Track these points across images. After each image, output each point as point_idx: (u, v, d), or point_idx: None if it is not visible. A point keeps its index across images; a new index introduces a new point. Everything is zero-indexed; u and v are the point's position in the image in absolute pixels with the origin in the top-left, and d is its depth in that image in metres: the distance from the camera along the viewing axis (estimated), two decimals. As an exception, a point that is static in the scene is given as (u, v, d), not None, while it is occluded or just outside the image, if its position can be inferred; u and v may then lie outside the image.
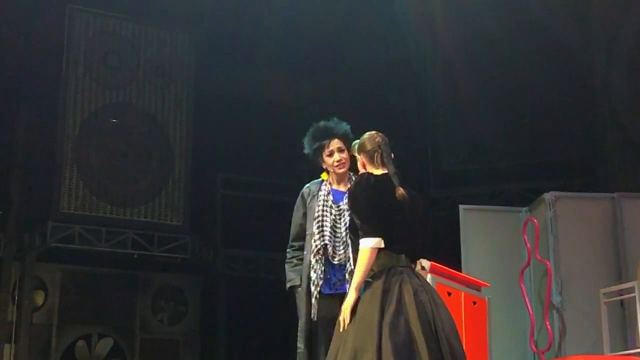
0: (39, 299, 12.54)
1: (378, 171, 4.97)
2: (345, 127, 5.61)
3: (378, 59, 13.31)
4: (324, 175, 5.66)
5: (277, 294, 13.67)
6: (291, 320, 12.98)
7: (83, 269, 12.81)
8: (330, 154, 5.55)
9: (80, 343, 12.71)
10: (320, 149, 5.57)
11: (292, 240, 5.62)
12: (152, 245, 12.45)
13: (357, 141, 5.19)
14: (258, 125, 13.25)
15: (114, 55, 12.55)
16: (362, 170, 5.10)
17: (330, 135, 5.57)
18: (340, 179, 5.57)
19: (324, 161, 5.60)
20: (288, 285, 5.55)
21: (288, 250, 5.62)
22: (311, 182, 5.70)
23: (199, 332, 13.51)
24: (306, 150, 5.63)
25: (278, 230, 13.26)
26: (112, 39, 12.58)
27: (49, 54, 12.17)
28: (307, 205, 5.59)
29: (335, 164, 5.53)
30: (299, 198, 5.67)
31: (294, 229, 5.63)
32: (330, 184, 5.61)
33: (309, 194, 5.63)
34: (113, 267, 12.86)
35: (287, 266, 5.60)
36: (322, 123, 5.64)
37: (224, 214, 13.66)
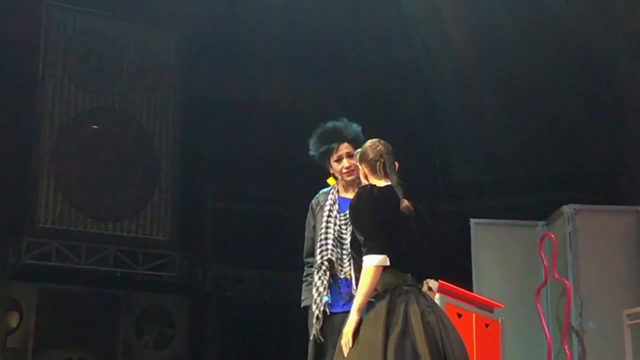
0: (13, 321, 12.58)
1: (380, 182, 5.02)
2: (356, 129, 5.57)
3: (382, 59, 13.35)
4: (330, 181, 5.66)
5: (273, 315, 13.76)
6: (288, 344, 12.96)
7: (61, 288, 12.85)
8: (339, 160, 5.53)
9: (58, 369, 12.77)
10: (328, 153, 5.54)
11: (305, 257, 5.64)
12: (136, 262, 12.48)
13: (359, 150, 5.20)
14: (253, 131, 13.27)
15: (95, 55, 12.59)
16: (363, 181, 5.13)
17: (339, 138, 5.53)
18: (348, 185, 5.52)
19: (331, 166, 5.59)
20: (302, 305, 5.57)
21: (304, 267, 5.63)
22: (320, 192, 5.69)
23: (187, 357, 13.53)
24: (312, 152, 5.62)
25: (274, 246, 13.49)
26: (93, 38, 12.63)
27: (25, 55, 12.20)
28: (316, 218, 5.60)
29: (344, 170, 5.51)
30: (309, 210, 5.68)
31: (306, 245, 5.64)
32: (337, 191, 5.59)
33: (317, 205, 5.63)
34: (94, 287, 12.89)
35: (303, 285, 5.61)
36: (330, 124, 5.60)
37: (215, 229, 13.68)
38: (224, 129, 13.13)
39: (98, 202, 12.29)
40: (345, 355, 4.73)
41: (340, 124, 5.60)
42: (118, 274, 12.47)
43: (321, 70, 13.23)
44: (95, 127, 12.41)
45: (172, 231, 12.68)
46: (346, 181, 5.55)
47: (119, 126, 12.59)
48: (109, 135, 12.51)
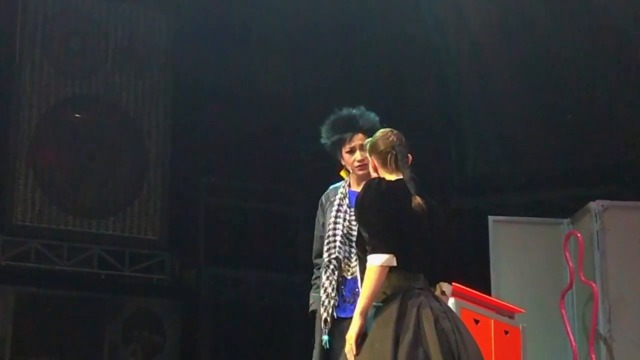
0: (-12, 327, 12.62)
1: (391, 176, 5.07)
2: (373, 119, 5.66)
3: (392, 40, 13.33)
4: (343, 174, 5.75)
5: (273, 321, 13.78)
6: (290, 352, 13.01)
7: (41, 291, 12.83)
8: (351, 151, 5.62)
9: (38, 379, 12.80)
10: (340, 143, 5.64)
11: (314, 258, 5.72)
12: (123, 263, 12.53)
13: (370, 140, 5.26)
14: (250, 119, 13.26)
15: (77, 38, 12.59)
16: (372, 174, 5.19)
17: (353, 128, 5.63)
18: (361, 179, 5.57)
19: (342, 158, 5.68)
20: (309, 310, 5.67)
21: (313, 270, 5.72)
22: (330, 187, 5.80)
23: (178, 366, 13.58)
24: (323, 141, 5.72)
25: (274, 245, 13.48)
26: (75, 18, 12.62)
27: (0, 38, 12.23)
28: (325, 214, 5.68)
29: (356, 164, 5.60)
30: (319, 207, 5.77)
31: (315, 245, 5.73)
32: (349, 185, 5.68)
33: (327, 201, 5.73)
34: (76, 290, 12.87)
35: (311, 289, 5.70)
36: (345, 112, 5.69)
37: (209, 227, 13.67)
38: (218, 117, 13.13)
39: (81, 198, 12.32)
40: (350, 363, 4.78)
41: (357, 112, 5.69)
42: (103, 277, 12.51)
43: (325, 53, 13.22)
44: (77, 116, 12.43)
45: (162, 229, 12.70)
46: (358, 175, 5.62)
47: (104, 115, 12.59)
48: (93, 125, 12.52)
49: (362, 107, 5.71)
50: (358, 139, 5.59)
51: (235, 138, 13.36)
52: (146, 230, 12.64)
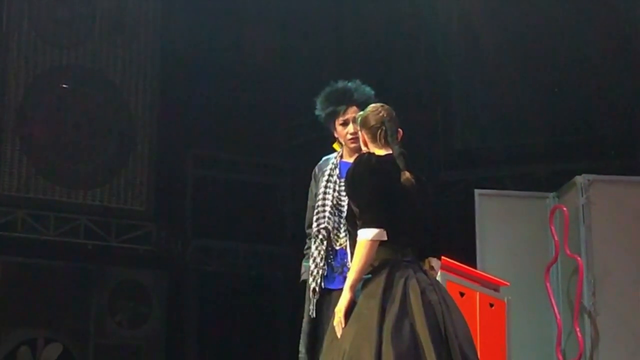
0: (-26, 297, 12.66)
1: (381, 151, 5.10)
2: (368, 93, 5.71)
3: (382, 12, 13.31)
4: (336, 146, 5.82)
5: (259, 292, 13.79)
6: (275, 323, 13.06)
7: (27, 261, 12.84)
8: (344, 124, 5.67)
9: (23, 349, 12.78)
10: (334, 115, 5.70)
11: (307, 228, 5.77)
12: (109, 234, 12.58)
13: (360, 114, 5.29)
14: (238, 91, 13.23)
15: (64, 7, 12.55)
16: (363, 149, 5.22)
17: (347, 100, 5.68)
18: (354, 152, 5.61)
19: (335, 130, 5.74)
20: (301, 279, 5.72)
21: (306, 240, 5.77)
22: (323, 158, 5.86)
23: (164, 336, 13.59)
24: (317, 112, 5.77)
25: (261, 217, 13.50)
26: (63, -14, 12.63)
27: (-14, 6, 12.22)
28: (318, 185, 5.74)
29: (349, 136, 5.65)
30: (312, 178, 5.83)
31: (307, 214, 5.77)
32: (341, 156, 5.75)
33: (319, 171, 5.79)
34: (63, 260, 12.89)
35: (304, 259, 5.76)
36: (340, 84, 5.75)
37: (196, 198, 13.66)
38: (206, 89, 13.09)
39: (68, 169, 12.33)
40: (338, 335, 4.82)
41: (352, 85, 5.74)
42: (89, 247, 12.56)
43: (314, 25, 13.17)
44: (64, 86, 12.42)
45: (148, 200, 12.74)
46: (350, 147, 5.68)
47: (91, 85, 12.59)
48: (80, 96, 12.51)
49: (357, 81, 5.77)
50: (352, 111, 5.64)
51: (222, 109, 13.33)
52: (133, 201, 12.68)
